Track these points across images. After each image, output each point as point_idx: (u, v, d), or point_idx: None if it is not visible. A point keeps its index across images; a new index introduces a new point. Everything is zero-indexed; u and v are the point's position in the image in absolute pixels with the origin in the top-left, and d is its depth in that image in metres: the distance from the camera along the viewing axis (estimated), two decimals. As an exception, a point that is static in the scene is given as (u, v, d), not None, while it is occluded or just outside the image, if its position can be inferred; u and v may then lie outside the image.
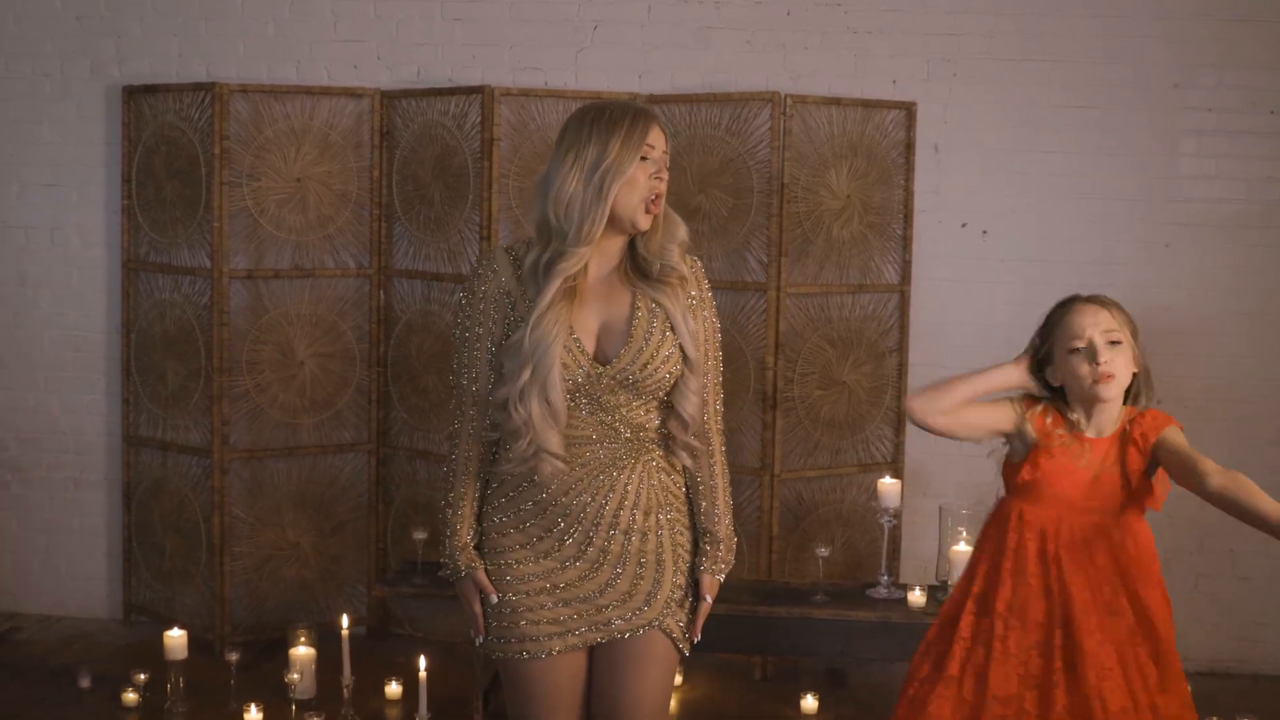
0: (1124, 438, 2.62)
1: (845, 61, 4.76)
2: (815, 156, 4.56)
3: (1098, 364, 2.59)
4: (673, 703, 4.16)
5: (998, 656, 2.62)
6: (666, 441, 2.51)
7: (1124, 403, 2.67)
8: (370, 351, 4.90)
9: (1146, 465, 2.61)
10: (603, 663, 2.53)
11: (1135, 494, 2.62)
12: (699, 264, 2.55)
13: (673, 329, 2.45)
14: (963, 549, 3.93)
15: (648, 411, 2.48)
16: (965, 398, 2.71)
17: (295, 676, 4.13)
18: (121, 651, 4.73)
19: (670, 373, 2.45)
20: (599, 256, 2.45)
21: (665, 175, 2.43)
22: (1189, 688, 2.75)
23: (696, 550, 2.59)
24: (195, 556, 4.80)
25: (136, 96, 4.83)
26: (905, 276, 4.72)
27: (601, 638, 2.50)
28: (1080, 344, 2.61)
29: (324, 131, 4.77)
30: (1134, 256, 4.73)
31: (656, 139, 2.42)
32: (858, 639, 3.94)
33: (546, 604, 2.48)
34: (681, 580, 2.55)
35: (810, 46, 4.77)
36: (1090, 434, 2.65)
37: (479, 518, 2.54)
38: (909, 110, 4.67)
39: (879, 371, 4.74)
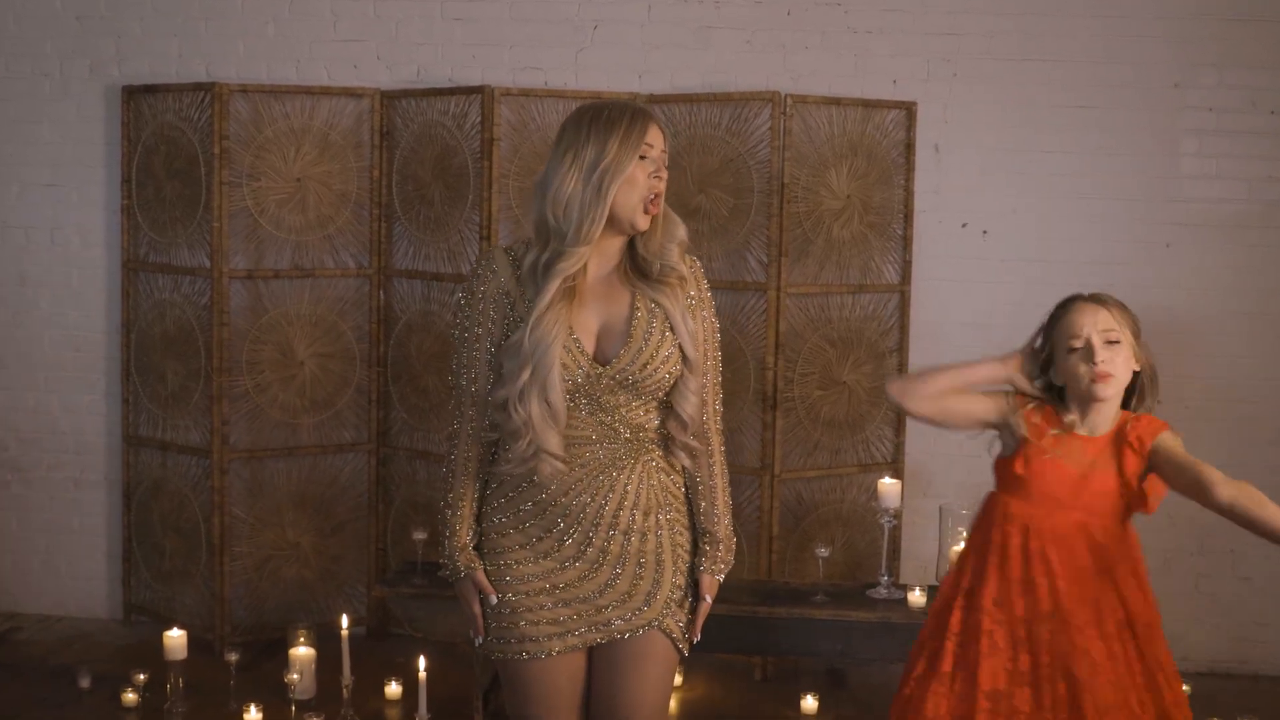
0: (1119, 439, 2.61)
1: (845, 61, 4.76)
2: (815, 156, 4.56)
3: (1095, 363, 2.59)
4: (673, 703, 4.16)
5: (986, 652, 2.62)
6: (666, 442, 2.51)
7: (1127, 404, 2.66)
8: (370, 351, 4.90)
9: (1143, 470, 2.60)
10: (602, 663, 2.53)
11: (1125, 497, 2.61)
12: (698, 264, 2.54)
13: (672, 329, 2.45)
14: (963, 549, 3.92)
15: (647, 412, 2.47)
16: (945, 387, 2.73)
17: (295, 677, 4.13)
18: (121, 652, 4.73)
19: (670, 373, 2.45)
20: (598, 256, 2.45)
21: (664, 174, 2.43)
22: (1185, 687, 2.74)
23: (696, 550, 2.59)
24: (195, 556, 4.80)
25: (136, 96, 4.83)
26: (905, 276, 4.72)
27: (601, 638, 2.50)
28: (1078, 343, 2.61)
29: (324, 131, 4.76)
30: (1134, 256, 4.73)
31: (655, 138, 2.42)
32: (858, 639, 3.93)
33: (546, 604, 2.48)
34: (681, 580, 2.55)
35: (810, 46, 4.77)
36: (1083, 432, 2.64)
37: (478, 518, 2.54)
38: (909, 110, 4.67)
39: (879, 372, 4.73)
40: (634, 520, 2.47)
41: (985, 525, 2.72)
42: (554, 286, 2.36)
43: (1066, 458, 2.63)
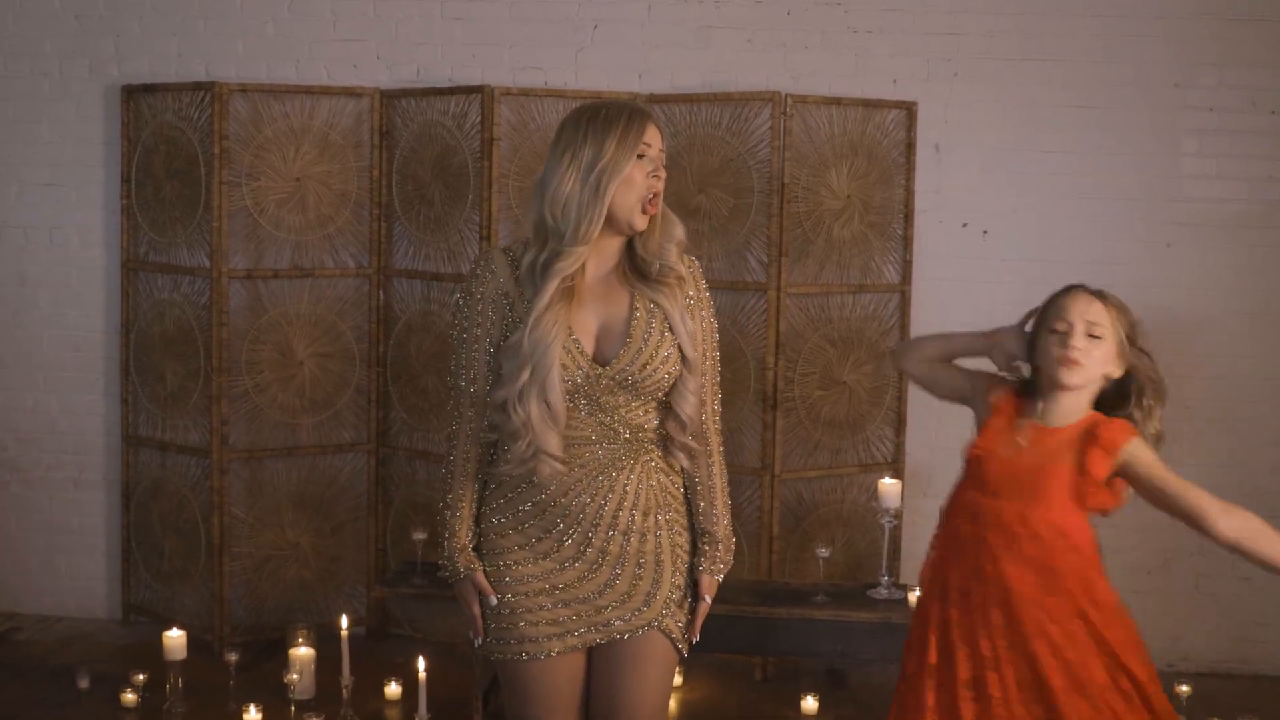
0: (1086, 437, 2.57)
1: (846, 61, 4.75)
2: (816, 156, 4.56)
3: (1068, 348, 2.58)
4: (672, 703, 4.16)
5: (956, 640, 2.63)
6: (665, 442, 2.51)
7: (1114, 410, 2.63)
8: (370, 351, 4.89)
9: (1111, 473, 2.56)
10: (602, 663, 2.53)
11: (1078, 494, 2.57)
12: (696, 264, 2.54)
13: (671, 329, 2.45)
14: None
15: (646, 412, 2.47)
16: (933, 353, 2.84)
17: (294, 677, 4.13)
18: (121, 652, 4.73)
19: (669, 373, 2.45)
20: (596, 257, 2.44)
21: (662, 174, 2.43)
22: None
23: (695, 550, 2.59)
24: (194, 557, 4.80)
25: (136, 96, 4.83)
26: (906, 276, 4.71)
27: (601, 638, 2.49)
28: (1061, 326, 2.60)
29: (323, 131, 4.76)
30: (1135, 256, 4.72)
31: (653, 137, 2.41)
32: (858, 640, 3.93)
33: (545, 605, 2.48)
34: (680, 580, 2.55)
35: (811, 46, 4.77)
36: (1044, 423, 2.63)
37: (477, 519, 2.53)
38: (909, 110, 4.67)
39: (879, 372, 4.73)
40: (633, 520, 2.47)
41: (948, 512, 2.74)
42: (552, 287, 2.36)
43: (1021, 446, 2.62)
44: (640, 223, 2.42)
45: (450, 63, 4.86)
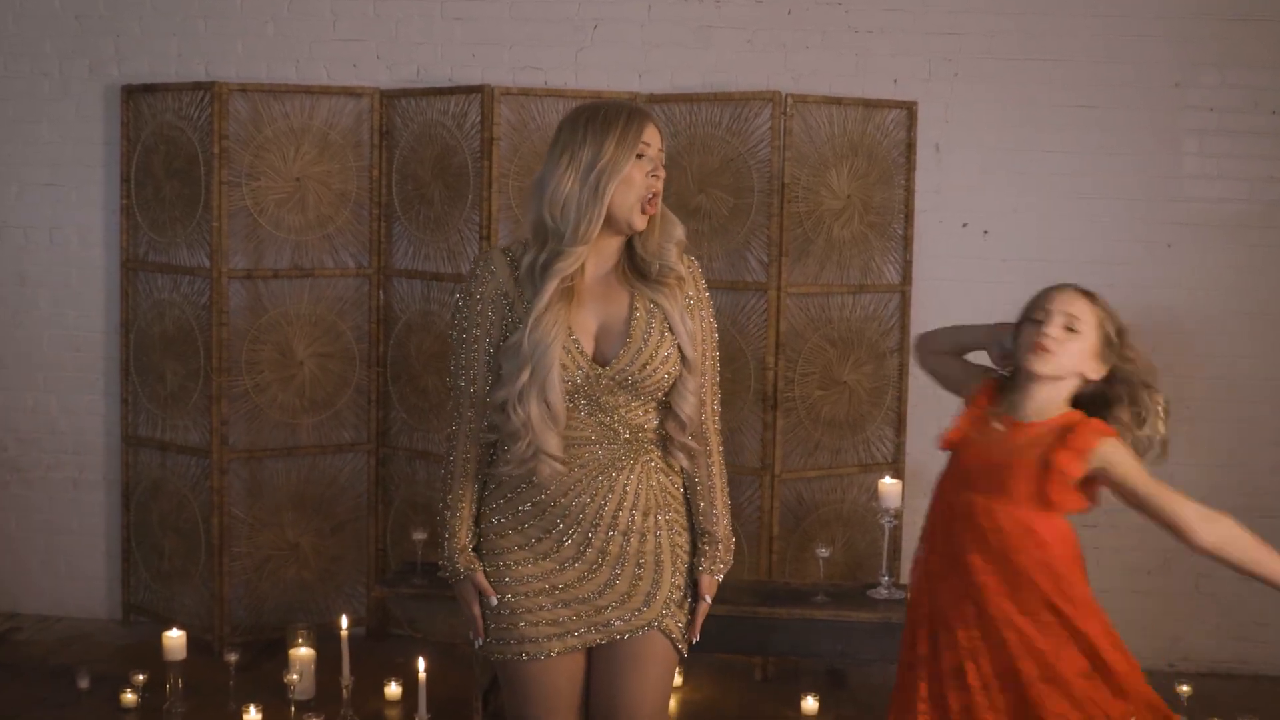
0: (1060, 435, 2.55)
1: (846, 61, 4.75)
2: (816, 156, 4.55)
3: (1039, 335, 2.57)
4: (673, 703, 4.16)
5: (939, 630, 2.64)
6: (664, 442, 2.51)
7: (1108, 415, 2.60)
8: (370, 351, 4.89)
9: (1084, 474, 2.54)
10: (602, 664, 2.53)
11: (1042, 490, 2.53)
12: (696, 264, 2.54)
13: (671, 329, 2.44)
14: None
15: (646, 412, 2.47)
16: (944, 346, 2.85)
17: (294, 677, 4.12)
18: (120, 652, 4.72)
19: (669, 373, 2.45)
20: (596, 257, 2.44)
21: (661, 173, 2.42)
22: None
23: (695, 550, 2.59)
24: (194, 557, 4.79)
25: (135, 96, 4.82)
26: (906, 276, 4.71)
27: (601, 639, 2.49)
28: (1040, 316, 2.60)
29: (323, 131, 4.76)
30: (1135, 256, 4.72)
31: (652, 137, 2.41)
32: (858, 640, 3.93)
33: (545, 605, 2.48)
34: (680, 581, 2.54)
35: (811, 46, 4.76)
36: (1015, 416, 2.62)
37: (477, 519, 2.53)
38: (910, 110, 4.66)
39: (880, 372, 4.73)
40: (633, 521, 2.46)
41: (930, 504, 2.77)
42: (552, 287, 2.36)
43: (990, 437, 2.62)
44: (639, 223, 2.41)
45: (450, 63, 4.86)
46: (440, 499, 2.53)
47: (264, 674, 4.44)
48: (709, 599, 2.58)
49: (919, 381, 4.56)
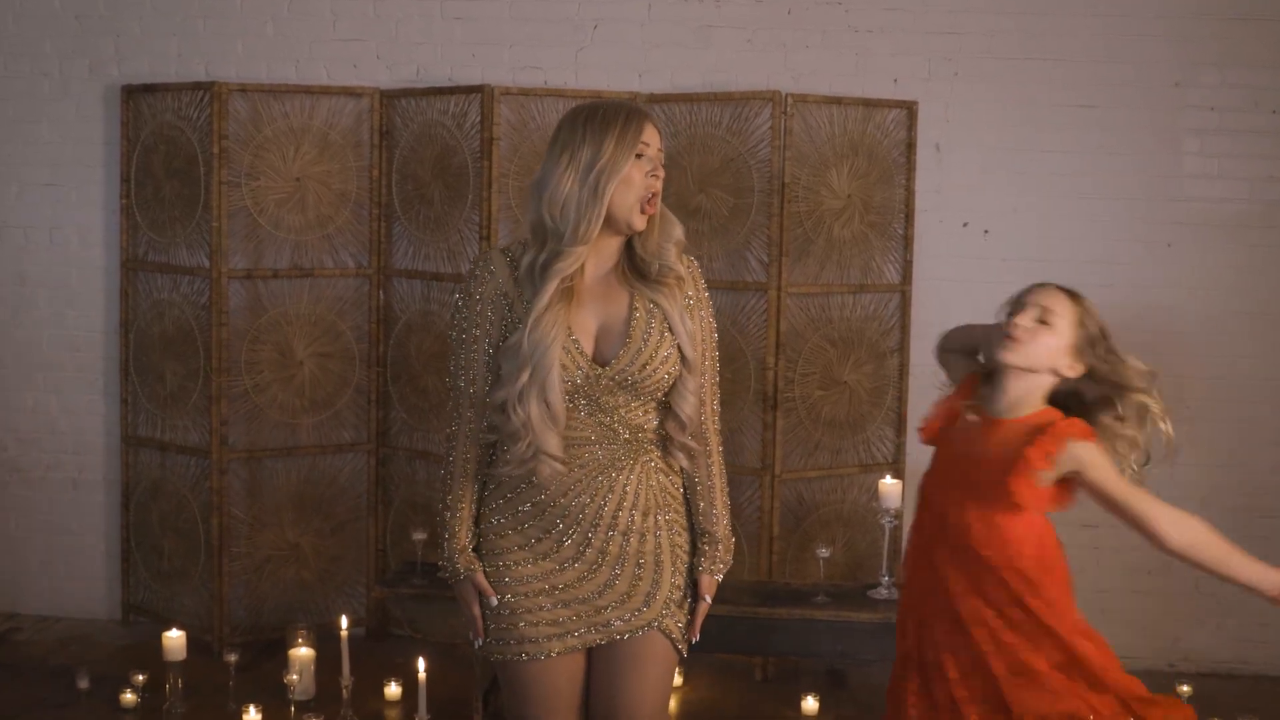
0: (1032, 432, 2.53)
1: (846, 60, 4.75)
2: (816, 156, 4.55)
3: (1011, 324, 2.57)
4: (673, 703, 4.15)
5: (922, 624, 2.65)
6: (664, 442, 2.51)
7: (1090, 416, 2.59)
8: (370, 351, 4.89)
9: (1056, 474, 2.52)
10: (602, 664, 2.53)
11: (1011, 489, 2.51)
12: (695, 264, 2.54)
13: (670, 329, 2.44)
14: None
15: (646, 412, 2.47)
16: (955, 344, 2.88)
17: (294, 677, 4.12)
18: (120, 652, 4.72)
19: (669, 373, 2.44)
20: (595, 257, 2.44)
21: (661, 173, 2.42)
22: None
23: (695, 550, 2.59)
24: (194, 557, 4.79)
25: (135, 96, 4.82)
26: (906, 276, 4.71)
27: (600, 639, 2.49)
28: (1016, 309, 2.61)
29: (323, 131, 4.76)
30: (1135, 256, 4.72)
31: (651, 137, 2.41)
32: (858, 640, 3.92)
33: (545, 605, 2.48)
34: (680, 581, 2.54)
35: (811, 45, 4.76)
36: (988, 408, 2.63)
37: (477, 520, 2.53)
38: (910, 109, 4.66)
39: (880, 372, 4.73)
40: (633, 521, 2.46)
41: (917, 498, 2.79)
42: (552, 287, 2.36)
43: (967, 433, 2.63)
44: (639, 222, 2.41)
45: (450, 62, 4.86)
46: (440, 499, 2.53)
47: (264, 674, 4.44)
48: (709, 599, 2.58)
49: (919, 381, 4.58)
